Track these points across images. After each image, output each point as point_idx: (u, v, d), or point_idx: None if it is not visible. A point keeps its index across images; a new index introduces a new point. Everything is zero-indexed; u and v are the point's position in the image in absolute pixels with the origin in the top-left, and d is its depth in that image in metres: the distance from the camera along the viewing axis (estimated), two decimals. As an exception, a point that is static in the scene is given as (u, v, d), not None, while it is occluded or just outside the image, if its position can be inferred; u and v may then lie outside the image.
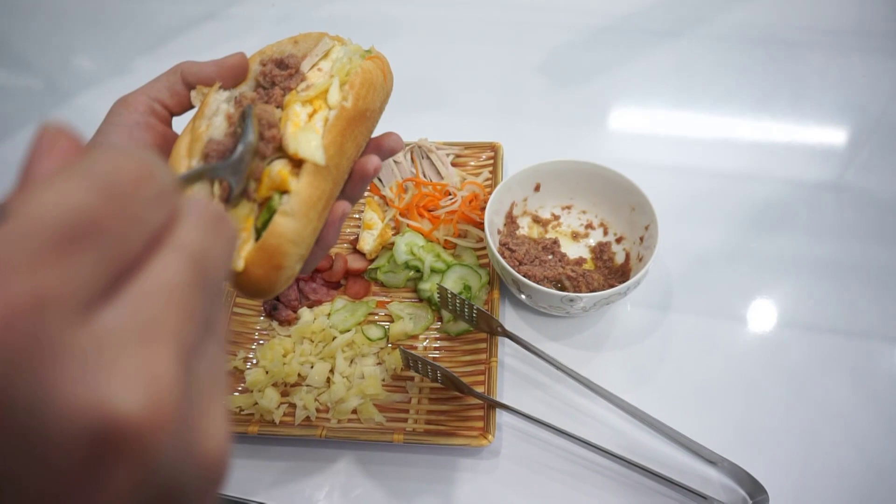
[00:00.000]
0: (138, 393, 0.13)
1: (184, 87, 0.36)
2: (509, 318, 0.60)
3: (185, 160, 0.32)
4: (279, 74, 0.36)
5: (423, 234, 0.63)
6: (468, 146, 0.72)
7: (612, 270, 0.60)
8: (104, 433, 0.12)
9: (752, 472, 0.48)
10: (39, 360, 0.12)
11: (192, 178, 0.27)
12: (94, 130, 0.90)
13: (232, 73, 0.36)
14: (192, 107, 0.37)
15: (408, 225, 0.64)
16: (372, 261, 0.64)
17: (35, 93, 0.91)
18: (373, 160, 0.38)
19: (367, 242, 0.63)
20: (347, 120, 0.35)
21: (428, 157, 0.70)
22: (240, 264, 0.32)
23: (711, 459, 0.50)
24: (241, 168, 0.32)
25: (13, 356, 0.12)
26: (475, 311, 0.55)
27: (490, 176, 0.69)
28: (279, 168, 0.33)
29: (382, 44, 0.90)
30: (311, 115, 0.35)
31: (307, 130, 0.34)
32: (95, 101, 0.88)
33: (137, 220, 0.15)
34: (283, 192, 0.33)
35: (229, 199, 0.32)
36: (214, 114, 0.34)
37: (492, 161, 0.70)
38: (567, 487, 0.50)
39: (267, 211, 0.32)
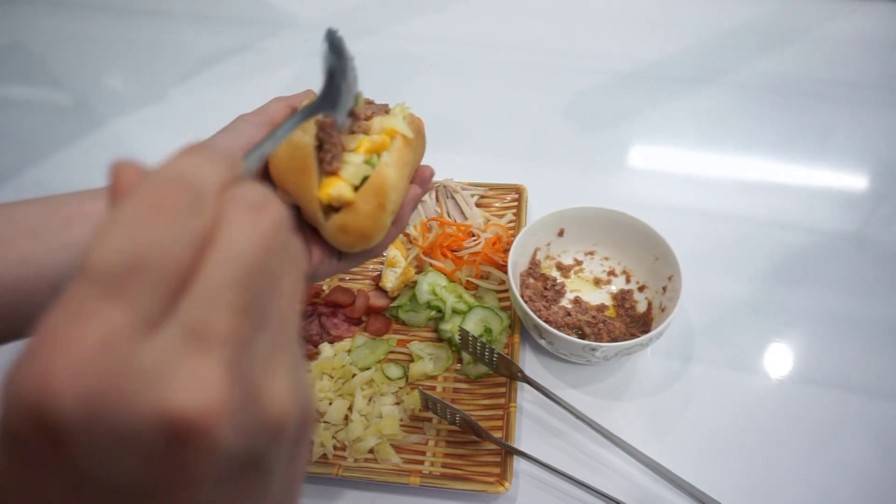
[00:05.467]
0: (193, 394, 0.16)
1: (287, 110, 0.41)
2: (529, 362, 0.60)
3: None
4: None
5: (445, 275, 0.64)
6: (493, 187, 0.72)
7: (634, 319, 0.60)
8: (173, 429, 0.16)
9: (772, 534, 0.48)
10: (118, 385, 0.15)
11: (265, 148, 0.26)
12: (125, 155, 0.91)
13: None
14: None
15: (431, 264, 0.65)
16: (394, 299, 0.65)
17: (70, 117, 0.93)
18: (428, 168, 0.44)
19: (390, 280, 0.64)
20: (408, 147, 0.39)
21: (453, 198, 0.71)
22: (348, 193, 0.36)
23: (731, 518, 0.50)
24: (334, 94, 0.35)
25: (98, 388, 0.15)
26: (496, 355, 0.56)
27: (514, 218, 0.69)
28: (378, 132, 0.38)
29: (410, 81, 0.92)
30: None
31: (392, 115, 0.40)
32: (129, 126, 0.90)
33: (175, 237, 0.17)
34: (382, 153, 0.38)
35: (337, 131, 0.37)
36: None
37: (516, 203, 0.71)
38: (583, 540, 0.50)
39: (367, 165, 0.37)
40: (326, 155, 0.36)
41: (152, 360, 0.16)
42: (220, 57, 1.00)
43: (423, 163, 0.43)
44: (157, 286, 0.17)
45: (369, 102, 0.42)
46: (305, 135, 0.35)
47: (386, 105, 0.42)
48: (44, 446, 0.16)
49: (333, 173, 0.36)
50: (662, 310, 0.58)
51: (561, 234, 0.64)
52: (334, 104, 0.35)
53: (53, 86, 0.99)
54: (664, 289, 0.59)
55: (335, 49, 0.37)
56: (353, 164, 0.37)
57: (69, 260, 0.33)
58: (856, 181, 0.76)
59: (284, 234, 0.19)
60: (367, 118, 0.40)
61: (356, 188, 0.37)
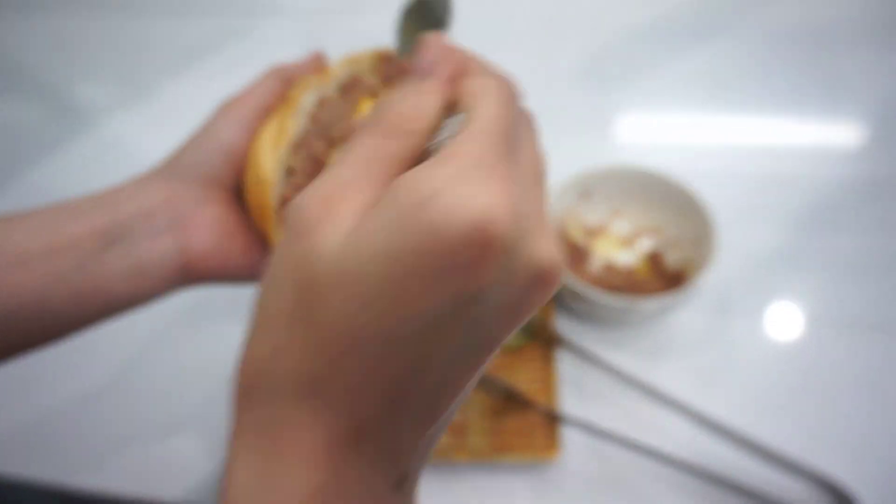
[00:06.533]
0: (553, 250, 0.19)
1: (283, 88, 0.38)
2: (565, 330, 0.58)
3: (270, 152, 0.33)
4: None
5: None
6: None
7: (667, 276, 0.59)
8: (542, 273, 0.19)
9: (836, 479, 0.46)
10: (515, 228, 0.18)
11: None
12: (122, 157, 0.88)
13: (317, 66, 0.38)
14: None
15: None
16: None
17: (61, 119, 0.90)
18: None
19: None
20: None
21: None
22: None
23: (791, 466, 0.48)
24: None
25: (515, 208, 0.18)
26: (533, 324, 0.54)
27: (534, 185, 0.67)
28: None
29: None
30: None
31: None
32: (120, 125, 0.87)
33: (521, 121, 0.23)
34: None
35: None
36: (301, 112, 0.34)
37: (534, 170, 0.69)
38: (640, 503, 0.49)
39: None
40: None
41: (531, 215, 0.19)
42: (210, 47, 0.97)
43: None
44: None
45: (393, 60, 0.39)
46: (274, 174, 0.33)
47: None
48: (467, 259, 0.17)
49: None
50: (697, 266, 0.56)
51: (585, 195, 0.62)
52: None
53: (40, 90, 0.96)
54: (697, 244, 0.57)
55: None
56: None
57: (54, 286, 0.31)
58: (879, 125, 0.74)
59: (520, 103, 0.23)
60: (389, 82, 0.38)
61: None
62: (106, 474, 0.53)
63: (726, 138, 0.75)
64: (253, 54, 0.95)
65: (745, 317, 0.58)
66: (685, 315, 0.59)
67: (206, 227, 0.35)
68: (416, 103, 0.22)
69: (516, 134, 0.21)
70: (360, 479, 0.20)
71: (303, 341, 0.19)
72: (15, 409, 0.57)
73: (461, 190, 0.17)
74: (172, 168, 0.36)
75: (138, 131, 0.86)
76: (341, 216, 0.19)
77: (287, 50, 0.94)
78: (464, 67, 0.24)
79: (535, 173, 0.22)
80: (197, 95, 0.90)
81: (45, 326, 0.32)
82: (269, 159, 0.32)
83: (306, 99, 0.34)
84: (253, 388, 0.20)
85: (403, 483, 0.21)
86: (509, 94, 0.22)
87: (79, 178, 0.81)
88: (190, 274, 0.35)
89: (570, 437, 0.52)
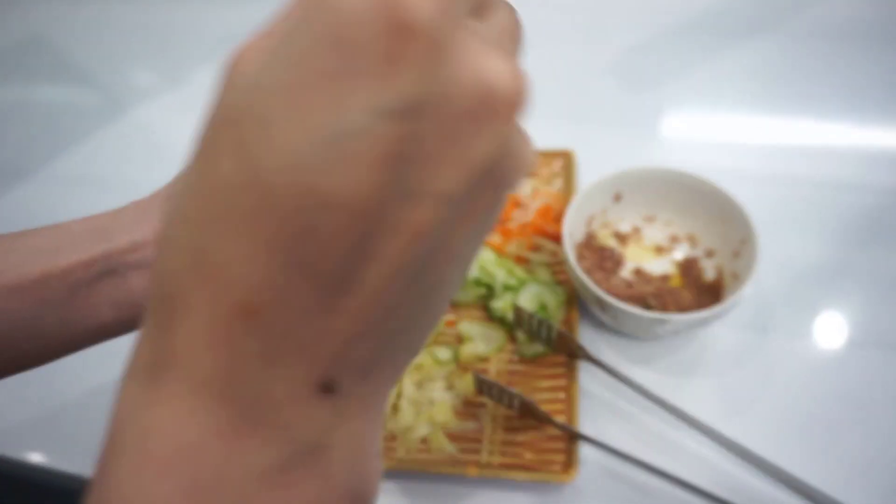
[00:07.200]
0: (507, 74, 0.15)
1: None
2: (589, 340, 0.55)
3: None
4: None
5: (494, 249, 0.59)
6: (538, 154, 0.67)
7: (702, 287, 0.55)
8: (486, 92, 0.15)
9: (877, 522, 0.43)
10: (450, 28, 0.14)
11: None
12: (152, 144, 0.88)
13: None
14: None
15: (476, 238, 0.60)
16: (438, 277, 0.60)
17: (92, 107, 0.91)
18: None
19: (434, 257, 0.59)
20: None
21: (495, 166, 0.66)
22: None
23: (827, 504, 0.45)
24: None
25: (438, 35, 0.14)
26: (554, 333, 0.51)
27: (563, 186, 0.64)
28: None
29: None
30: None
31: None
32: (153, 113, 0.87)
33: None
34: None
35: None
36: None
37: (564, 170, 0.65)
38: (661, 531, 0.46)
39: None
40: None
41: (474, 37, 0.15)
42: (241, 35, 0.95)
43: None
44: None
45: None
46: None
47: None
48: (379, 48, 0.13)
49: None
50: (735, 277, 0.53)
51: (617, 199, 0.59)
52: None
53: (80, 75, 0.96)
54: (736, 254, 0.53)
55: None
56: None
57: (45, 311, 0.33)
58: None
59: None
60: None
61: None
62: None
63: (771, 139, 0.70)
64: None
65: (782, 335, 0.54)
66: (717, 330, 0.55)
67: None
68: None
69: None
70: (255, 369, 0.16)
71: (193, 204, 0.15)
72: (41, 398, 0.58)
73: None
74: (168, 194, 0.36)
75: (169, 117, 0.86)
76: (258, 46, 0.15)
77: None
78: None
79: (505, 28, 0.18)
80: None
81: (36, 349, 0.34)
82: None
83: None
84: (153, 272, 0.17)
85: (332, 390, 0.17)
86: None
87: (111, 160, 0.82)
88: None
89: (587, 455, 0.49)
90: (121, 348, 0.36)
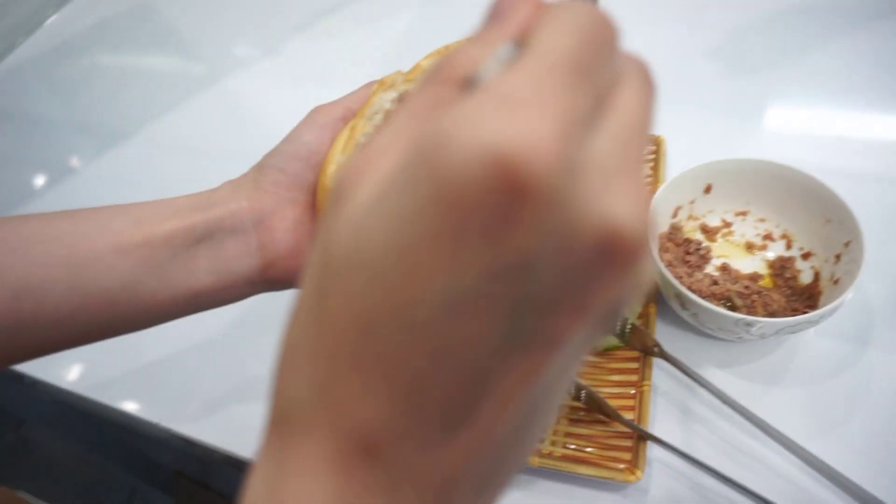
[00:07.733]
0: (630, 216, 0.14)
1: None
2: (666, 336, 0.53)
3: (338, 156, 0.33)
4: None
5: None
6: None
7: (796, 291, 0.51)
8: (609, 239, 0.14)
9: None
10: (568, 174, 0.14)
11: None
12: (245, 113, 0.90)
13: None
14: None
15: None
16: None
17: (191, 75, 0.94)
18: None
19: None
20: None
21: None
22: None
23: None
24: None
25: (565, 163, 0.13)
26: (628, 326, 0.49)
27: (651, 173, 0.61)
28: None
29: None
30: None
31: None
32: (248, 82, 0.89)
33: (609, 61, 0.16)
34: None
35: None
36: (375, 112, 0.33)
37: (654, 156, 0.62)
38: (729, 544, 0.43)
39: None
40: None
41: (592, 163, 0.14)
42: (336, 6, 0.97)
43: None
44: (591, 94, 0.15)
45: None
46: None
47: None
48: (492, 212, 0.13)
49: None
50: (835, 282, 0.48)
51: (708, 190, 0.55)
52: None
53: (174, 46, 1.00)
54: (838, 257, 0.49)
55: None
56: None
57: (148, 273, 0.35)
58: None
59: (611, 37, 0.17)
60: None
61: None
62: (201, 426, 0.55)
63: (882, 135, 0.64)
64: (374, 16, 0.94)
65: (883, 348, 0.49)
66: (809, 337, 0.51)
67: (287, 228, 0.37)
68: (473, 53, 0.16)
69: (598, 71, 0.16)
70: (369, 496, 0.17)
71: (313, 336, 0.17)
72: (137, 354, 0.61)
73: (486, 122, 0.13)
74: (259, 170, 0.38)
75: (263, 86, 0.88)
76: (365, 184, 0.16)
77: (407, 12, 0.92)
78: (544, 9, 0.18)
79: (630, 124, 0.16)
80: (317, 54, 0.91)
81: (136, 311, 0.35)
82: (335, 162, 0.31)
83: (382, 98, 0.33)
84: (276, 392, 0.18)
85: None
86: (588, 21, 0.16)
87: (206, 127, 0.85)
88: (271, 274, 0.37)
89: (655, 455, 0.47)
90: (203, 318, 0.39)
